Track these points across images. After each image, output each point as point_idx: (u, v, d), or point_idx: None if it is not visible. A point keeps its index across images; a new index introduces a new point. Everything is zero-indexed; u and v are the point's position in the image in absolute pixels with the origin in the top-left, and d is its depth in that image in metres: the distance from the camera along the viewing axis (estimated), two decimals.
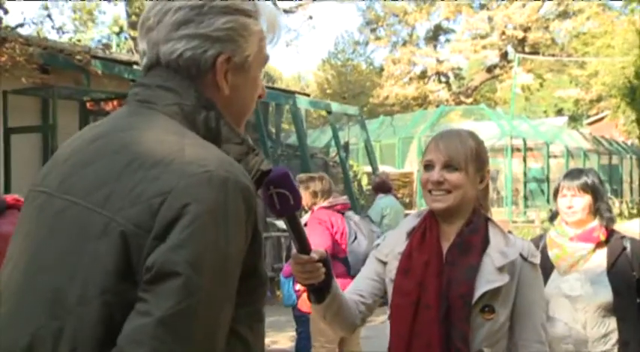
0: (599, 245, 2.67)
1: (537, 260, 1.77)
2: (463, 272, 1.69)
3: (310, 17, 17.22)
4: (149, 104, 1.08)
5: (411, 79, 29.22)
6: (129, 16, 19.39)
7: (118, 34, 22.80)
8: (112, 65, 9.12)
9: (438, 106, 24.69)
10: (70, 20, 25.27)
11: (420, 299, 1.69)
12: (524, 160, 20.08)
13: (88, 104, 9.05)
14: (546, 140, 20.50)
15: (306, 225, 4.26)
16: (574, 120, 34.00)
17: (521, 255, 1.74)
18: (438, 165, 1.75)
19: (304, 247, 1.54)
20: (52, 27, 8.68)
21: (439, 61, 29.01)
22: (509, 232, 1.83)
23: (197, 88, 1.09)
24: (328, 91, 32.77)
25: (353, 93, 32.04)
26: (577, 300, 2.64)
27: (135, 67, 9.53)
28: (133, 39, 19.86)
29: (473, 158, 1.76)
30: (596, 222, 2.69)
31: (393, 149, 19.61)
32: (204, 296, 0.90)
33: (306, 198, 4.33)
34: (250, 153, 1.11)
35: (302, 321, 4.59)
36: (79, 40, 9.62)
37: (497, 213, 19.62)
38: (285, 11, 20.50)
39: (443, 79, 29.70)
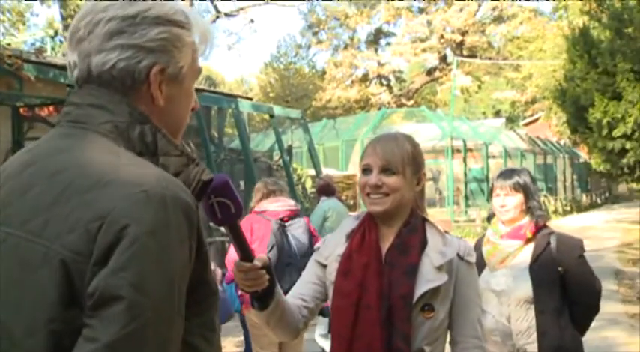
0: (527, 241, 2.79)
1: (473, 258, 1.81)
2: (403, 272, 1.72)
3: (252, 21, 17.17)
4: (82, 124, 1.05)
5: (353, 82, 29.50)
6: (64, 18, 18.88)
7: (52, 37, 22.13)
8: (47, 69, 8.82)
9: (379, 109, 25.04)
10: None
11: (361, 300, 1.70)
12: (465, 161, 20.60)
13: (21, 110, 8.74)
14: (485, 141, 21.09)
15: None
16: (511, 121, 35.11)
17: (457, 254, 1.78)
18: (375, 169, 1.77)
19: (247, 254, 1.53)
20: None
21: (380, 64, 29.41)
22: (447, 232, 1.87)
23: (129, 102, 1.07)
24: (271, 95, 32.72)
25: (296, 97, 32.08)
26: (501, 294, 2.77)
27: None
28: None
29: (409, 161, 1.78)
30: (525, 220, 2.80)
31: (337, 152, 19.75)
32: (152, 317, 0.89)
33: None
34: (190, 163, 1.10)
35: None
36: (9, 44, 9.28)
37: (439, 213, 20.05)
38: (226, 14, 20.38)
39: (384, 81, 30.11)
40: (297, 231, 4.29)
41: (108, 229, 0.90)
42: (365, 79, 29.45)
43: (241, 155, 12.39)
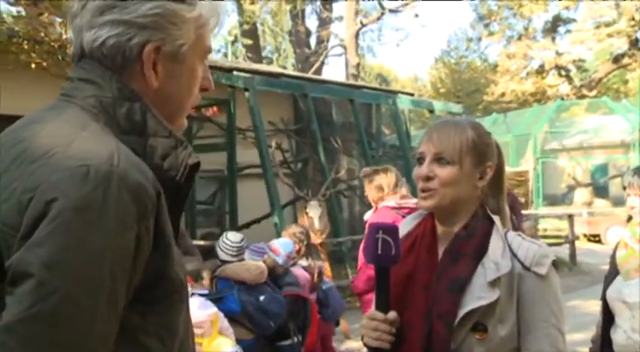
0: None
1: (544, 269, 1.49)
2: (447, 286, 1.48)
3: (416, 15, 16.87)
4: (68, 97, 1.04)
5: (527, 74, 27.82)
6: (241, 25, 20.10)
7: (232, 42, 23.75)
8: (211, 71, 9.41)
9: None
10: None
11: (402, 317, 1.47)
12: None
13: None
14: None
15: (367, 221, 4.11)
16: None
17: (522, 264, 1.49)
18: (428, 158, 1.56)
19: (384, 304, 1.43)
20: None
21: (558, 54, 27.36)
22: (533, 237, 1.59)
23: (120, 78, 1.03)
24: (442, 90, 32.06)
25: (467, 92, 31.11)
26: (635, 307, 2.38)
27: (234, 73, 9.81)
28: (245, 46, 20.62)
29: (469, 150, 1.54)
30: None
31: (507, 147, 18.77)
32: (64, 301, 0.82)
33: (371, 192, 4.15)
34: (179, 146, 1.04)
35: None
36: None
37: (625, 212, 18.10)
38: (391, 11, 20.32)
39: (563, 72, 28.02)
40: None
41: (36, 202, 0.86)
42: (541, 70, 27.61)
43: (400, 151, 12.26)
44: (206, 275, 4.05)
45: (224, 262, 4.20)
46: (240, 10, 19.34)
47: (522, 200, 15.30)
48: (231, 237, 4.31)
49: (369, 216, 4.13)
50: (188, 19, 1.06)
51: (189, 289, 3.81)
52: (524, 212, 9.99)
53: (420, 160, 1.59)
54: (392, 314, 1.43)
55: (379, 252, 1.37)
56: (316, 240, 6.98)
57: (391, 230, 1.40)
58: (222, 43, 24.46)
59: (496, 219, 1.58)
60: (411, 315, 1.49)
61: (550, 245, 10.39)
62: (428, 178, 1.55)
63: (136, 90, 1.03)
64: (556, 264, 1.54)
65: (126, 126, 1.01)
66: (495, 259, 1.49)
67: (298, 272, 4.60)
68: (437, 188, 1.54)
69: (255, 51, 20.16)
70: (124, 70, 1.03)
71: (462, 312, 1.44)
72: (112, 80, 1.02)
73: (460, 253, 1.51)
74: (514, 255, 1.51)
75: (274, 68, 17.89)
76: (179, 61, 1.07)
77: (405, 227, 1.65)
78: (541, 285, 1.49)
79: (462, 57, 33.65)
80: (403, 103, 12.80)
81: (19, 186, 0.89)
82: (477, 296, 1.45)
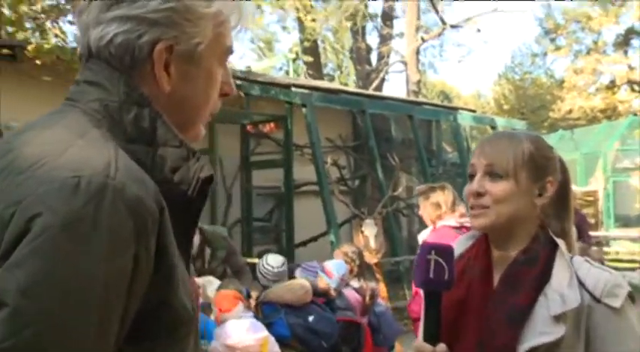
0: None
1: (618, 301, 1.30)
2: (506, 317, 1.30)
3: (478, 30, 16.52)
4: (72, 102, 0.93)
5: (597, 89, 26.80)
6: (301, 42, 20.29)
7: (294, 60, 23.97)
8: (269, 88, 9.46)
9: None
10: (251, 50, 27.19)
11: (452, 348, 1.30)
12: None
13: (247, 127, 9.46)
14: None
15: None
16: None
17: (591, 294, 1.30)
18: (479, 173, 1.40)
19: (434, 335, 1.29)
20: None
21: (631, 68, 26.26)
22: (600, 262, 1.39)
23: (129, 81, 0.92)
24: (505, 107, 31.31)
25: (532, 108, 30.25)
26: None
27: (292, 89, 9.81)
28: (306, 63, 20.76)
29: (525, 164, 1.37)
30: None
31: (574, 165, 18.02)
32: (43, 336, 0.71)
33: (427, 210, 3.96)
34: (191, 157, 0.92)
35: None
36: (248, 67, 10.06)
37: None
38: (453, 26, 20.01)
39: (636, 87, 26.82)
40: None
41: (19, 217, 0.76)
42: (612, 85, 26.55)
43: (460, 169, 11.95)
44: (252, 299, 3.92)
45: (265, 287, 4.09)
46: (301, 28, 19.50)
47: (592, 221, 14.65)
48: (272, 262, 4.18)
49: (426, 236, 3.93)
50: (205, 15, 0.95)
51: (239, 308, 3.72)
52: (592, 233, 9.50)
53: (472, 175, 1.42)
54: (441, 347, 1.27)
55: (431, 275, 1.23)
56: (372, 259, 6.79)
57: (446, 251, 1.26)
58: (284, 60, 24.72)
59: (560, 242, 1.39)
60: (462, 348, 1.33)
61: (623, 269, 9.82)
62: (478, 194, 1.38)
63: (145, 94, 0.93)
64: (632, 296, 1.33)
65: (133, 133, 0.90)
66: (560, 290, 1.31)
67: (349, 293, 4.43)
68: (489, 205, 1.37)
69: (315, 68, 20.26)
70: (134, 71, 0.93)
71: (522, 349, 1.27)
72: (120, 82, 0.92)
73: (519, 280, 1.34)
74: (581, 283, 1.32)
75: (332, 84, 17.89)
76: (194, 61, 0.96)
77: (457, 248, 1.48)
78: (615, 320, 1.30)
79: (526, 73, 32.80)
80: (464, 120, 12.49)
81: (3, 200, 0.78)
82: (540, 331, 1.28)
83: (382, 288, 6.01)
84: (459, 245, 1.51)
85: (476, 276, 1.40)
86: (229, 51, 1.02)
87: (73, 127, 0.87)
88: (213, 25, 0.96)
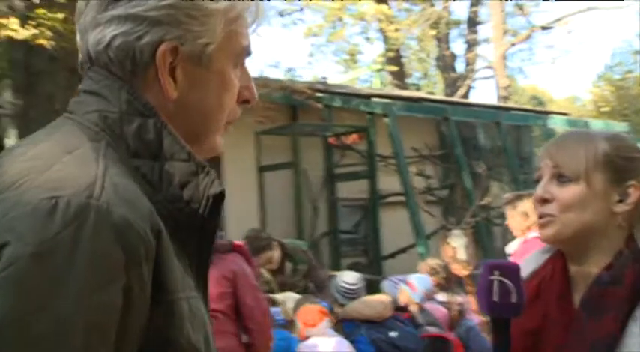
0: None
1: None
2: (589, 348, 1.13)
3: (569, 32, 15.75)
4: (70, 114, 0.85)
5: None
6: (385, 51, 20.15)
7: (378, 71, 23.85)
8: (350, 99, 9.40)
9: None
10: (335, 63, 27.35)
11: None
12: None
13: (330, 139, 9.44)
14: None
15: (512, 255, 3.67)
16: None
17: None
18: (545, 176, 1.23)
19: None
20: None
21: None
22: None
23: (131, 89, 0.83)
24: (604, 109, 29.70)
25: (634, 109, 28.51)
26: None
27: (373, 99, 9.70)
28: (391, 73, 20.60)
29: (600, 165, 1.19)
30: None
31: None
32: None
33: (515, 220, 3.74)
34: (200, 172, 0.82)
35: None
36: (324, 77, 10.07)
37: None
38: (543, 28, 19.22)
39: None
40: None
41: None
42: None
43: None
44: (333, 316, 3.84)
45: (341, 305, 4.00)
46: (385, 38, 19.39)
47: None
48: (348, 279, 4.08)
49: (515, 249, 3.71)
50: (213, 12, 0.84)
51: (325, 323, 3.63)
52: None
53: (537, 181, 1.25)
54: None
55: (494, 298, 1.09)
56: (462, 272, 6.53)
57: (511, 270, 1.11)
58: (369, 72, 24.67)
59: None
60: None
61: None
62: (544, 201, 1.21)
63: (149, 103, 0.83)
64: None
65: (136, 147, 0.81)
66: None
67: (433, 307, 4.25)
68: (556, 213, 1.20)
69: (399, 78, 20.06)
70: (136, 77, 0.83)
71: None
72: (121, 91, 0.83)
73: (604, 303, 1.15)
74: None
75: (414, 93, 17.62)
76: (204, 64, 0.85)
77: (529, 263, 1.31)
78: None
79: (627, 72, 30.97)
80: (557, 124, 11.88)
81: None
82: None
83: (473, 302, 5.77)
84: (532, 260, 1.33)
85: (553, 299, 1.22)
86: (246, 51, 0.91)
87: (63, 142, 0.78)
88: (225, 22, 0.86)
